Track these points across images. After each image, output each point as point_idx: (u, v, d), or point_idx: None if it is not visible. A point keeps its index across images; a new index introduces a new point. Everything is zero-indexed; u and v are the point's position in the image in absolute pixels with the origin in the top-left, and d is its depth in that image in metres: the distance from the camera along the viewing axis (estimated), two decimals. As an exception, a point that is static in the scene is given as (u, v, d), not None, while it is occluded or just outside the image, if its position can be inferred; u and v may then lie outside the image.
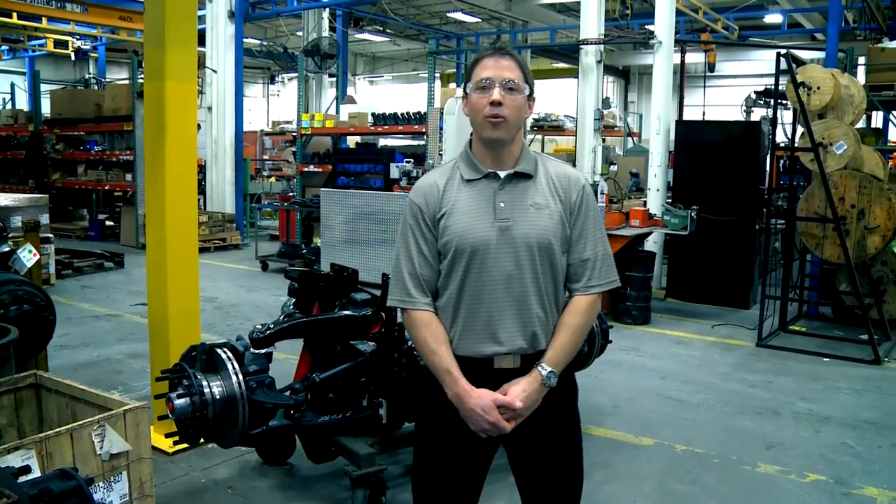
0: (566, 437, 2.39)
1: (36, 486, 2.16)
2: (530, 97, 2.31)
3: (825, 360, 6.93)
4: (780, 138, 8.17)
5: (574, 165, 11.09)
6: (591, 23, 9.98)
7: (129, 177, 13.48)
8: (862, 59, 10.85)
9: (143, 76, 4.80)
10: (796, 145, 7.77)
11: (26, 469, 2.43)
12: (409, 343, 4.20)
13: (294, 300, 4.21)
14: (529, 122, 17.04)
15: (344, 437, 3.96)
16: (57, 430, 2.67)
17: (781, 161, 9.05)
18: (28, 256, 4.51)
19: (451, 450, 2.33)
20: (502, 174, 2.30)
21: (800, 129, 7.74)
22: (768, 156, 8.83)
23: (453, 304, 2.29)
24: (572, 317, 2.31)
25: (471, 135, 2.38)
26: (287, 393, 3.75)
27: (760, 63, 21.40)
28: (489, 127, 2.24)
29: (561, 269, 2.32)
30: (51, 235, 9.31)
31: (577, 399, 2.44)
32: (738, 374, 6.47)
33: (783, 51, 7.47)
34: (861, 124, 8.97)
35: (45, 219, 9.27)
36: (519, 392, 2.21)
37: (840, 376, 6.45)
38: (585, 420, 5.21)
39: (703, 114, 15.22)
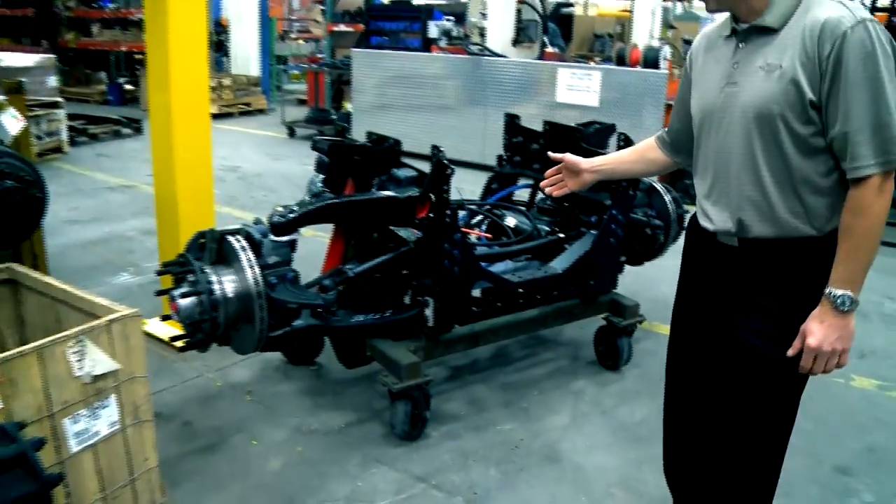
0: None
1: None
2: None
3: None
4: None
5: (628, 30, 10.08)
6: None
7: (147, 36, 12.65)
8: None
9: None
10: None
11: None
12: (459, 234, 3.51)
13: (323, 177, 3.51)
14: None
15: (382, 340, 3.36)
16: (20, 349, 2.06)
17: None
18: (12, 122, 3.82)
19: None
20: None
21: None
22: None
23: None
24: (849, 216, 1.83)
25: None
26: (314, 289, 3.13)
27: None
28: None
29: (796, 145, 1.83)
30: (60, 99, 8.52)
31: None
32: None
33: None
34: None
35: (52, 81, 8.55)
36: (812, 330, 1.87)
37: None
38: (652, 315, 4.61)
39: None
